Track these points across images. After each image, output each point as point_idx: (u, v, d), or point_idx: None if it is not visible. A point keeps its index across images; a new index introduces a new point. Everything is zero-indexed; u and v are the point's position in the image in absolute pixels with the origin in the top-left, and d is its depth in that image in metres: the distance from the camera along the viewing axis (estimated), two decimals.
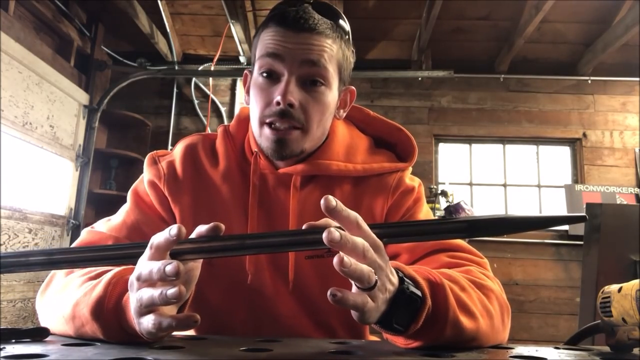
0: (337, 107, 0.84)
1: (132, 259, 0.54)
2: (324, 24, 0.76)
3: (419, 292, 0.55)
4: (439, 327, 0.57)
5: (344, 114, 0.88)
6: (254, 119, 0.80)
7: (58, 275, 0.72)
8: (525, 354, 0.59)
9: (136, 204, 0.84)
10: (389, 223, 0.51)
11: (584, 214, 0.50)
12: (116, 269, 0.62)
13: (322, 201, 0.49)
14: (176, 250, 0.53)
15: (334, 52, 0.78)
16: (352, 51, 0.84)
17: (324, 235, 0.48)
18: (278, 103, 0.74)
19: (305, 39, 0.75)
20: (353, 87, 0.88)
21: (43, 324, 0.68)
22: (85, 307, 0.58)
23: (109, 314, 0.57)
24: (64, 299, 0.64)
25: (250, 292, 0.80)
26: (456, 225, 0.52)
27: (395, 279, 0.54)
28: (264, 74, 0.77)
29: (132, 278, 0.53)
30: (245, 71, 0.87)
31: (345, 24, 0.82)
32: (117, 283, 0.59)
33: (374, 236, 0.52)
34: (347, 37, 0.82)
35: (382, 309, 0.53)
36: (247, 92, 0.84)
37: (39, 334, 0.60)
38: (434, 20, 3.23)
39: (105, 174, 3.72)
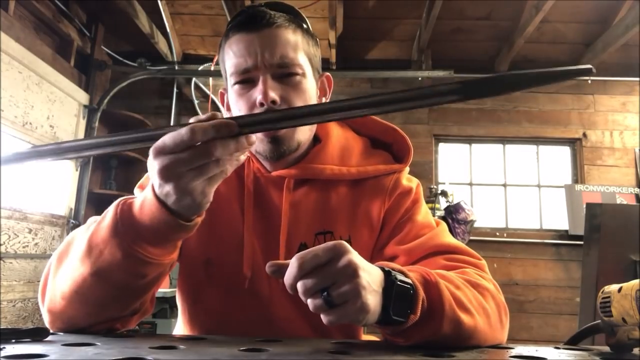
0: (318, 97, 0.85)
1: (152, 140, 0.56)
2: (280, 17, 0.78)
3: (408, 280, 0.56)
4: (437, 321, 0.57)
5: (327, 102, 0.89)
6: None
7: (54, 261, 0.72)
8: (525, 354, 0.59)
9: None
10: (381, 93, 0.52)
11: (589, 65, 0.46)
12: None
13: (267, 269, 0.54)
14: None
15: (299, 41, 0.79)
16: (316, 40, 0.85)
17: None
18: (261, 103, 0.75)
19: (268, 36, 0.76)
20: (328, 73, 0.89)
21: (56, 303, 0.67)
22: (103, 230, 0.61)
23: (125, 225, 0.59)
24: (75, 247, 0.65)
25: (246, 295, 0.80)
26: (449, 87, 0.50)
27: (373, 266, 0.55)
28: (240, 82, 0.78)
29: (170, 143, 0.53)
30: (220, 90, 0.88)
31: (300, 16, 0.84)
32: (125, 200, 0.62)
33: (323, 248, 0.52)
34: (306, 26, 0.83)
35: (377, 301, 0.53)
36: (228, 109, 0.85)
37: (39, 334, 0.60)
38: (434, 20, 3.23)
39: (105, 174, 3.73)
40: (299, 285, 0.51)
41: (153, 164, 0.55)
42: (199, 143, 0.53)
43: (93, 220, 0.75)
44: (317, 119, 0.56)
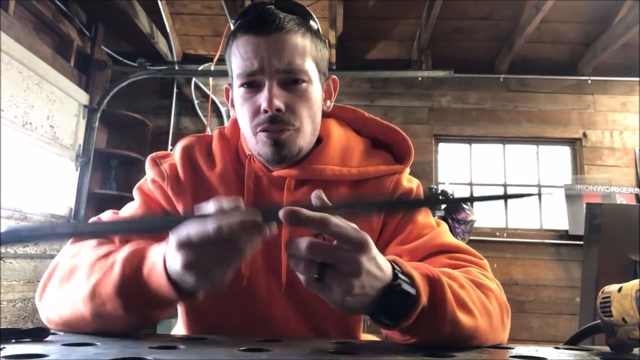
0: (323, 99, 0.85)
1: (165, 229, 0.55)
2: (290, 21, 0.77)
3: (412, 291, 0.55)
4: (437, 323, 0.57)
5: (332, 105, 0.89)
6: (246, 131, 0.80)
7: (62, 262, 0.72)
8: (525, 354, 0.59)
9: (144, 200, 0.86)
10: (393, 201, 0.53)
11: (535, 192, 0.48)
12: (127, 248, 0.64)
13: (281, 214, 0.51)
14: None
15: (307, 46, 0.78)
16: (324, 42, 0.84)
17: (281, 213, 0.50)
18: (265, 111, 0.75)
19: (276, 41, 0.75)
20: (334, 76, 0.89)
21: (50, 315, 0.68)
22: (108, 284, 0.60)
23: (131, 287, 0.59)
24: (76, 283, 0.65)
25: (244, 295, 0.80)
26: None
27: (384, 274, 0.54)
28: (245, 85, 0.78)
29: (191, 239, 0.52)
30: (226, 85, 0.88)
31: (310, 16, 0.82)
32: (134, 259, 0.61)
33: (352, 235, 0.51)
34: (315, 28, 0.82)
35: (364, 301, 0.53)
36: (232, 106, 0.85)
37: (39, 334, 0.60)
38: (434, 20, 3.23)
39: (105, 174, 3.72)
40: (310, 244, 0.50)
41: (175, 255, 0.53)
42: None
43: (95, 231, 0.77)
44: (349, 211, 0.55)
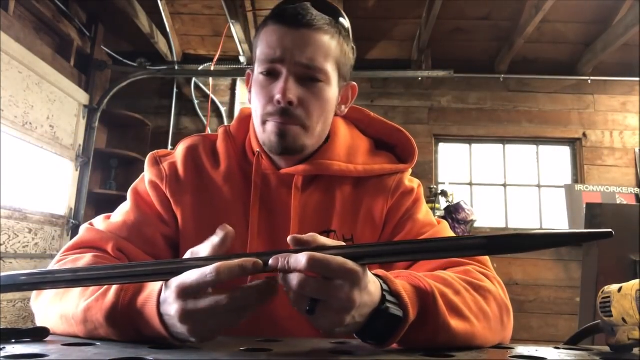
0: (338, 103, 0.85)
1: (166, 275, 0.54)
2: (321, 20, 0.77)
3: (399, 313, 0.54)
4: (429, 334, 0.57)
5: (346, 110, 0.88)
6: (256, 118, 0.81)
7: (50, 294, 0.71)
8: (525, 354, 0.59)
9: (137, 204, 0.84)
10: (406, 240, 0.53)
11: (609, 229, 0.47)
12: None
13: (289, 240, 0.53)
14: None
15: (332, 48, 0.78)
16: (353, 48, 0.85)
17: (270, 261, 0.51)
18: (278, 102, 0.75)
19: (303, 36, 0.76)
20: (354, 83, 0.88)
21: (42, 323, 0.68)
22: (99, 312, 0.59)
23: (123, 319, 0.58)
24: (70, 301, 0.64)
25: None
26: (474, 242, 0.50)
27: (373, 300, 0.53)
28: (264, 73, 0.78)
29: (192, 288, 0.51)
30: (248, 70, 0.88)
31: (344, 21, 0.83)
32: (129, 288, 0.59)
33: (342, 270, 0.49)
34: (346, 33, 0.82)
35: (354, 329, 0.53)
36: (250, 91, 0.85)
37: (39, 334, 0.60)
38: (434, 20, 3.23)
39: (105, 174, 3.73)
40: (300, 281, 0.49)
41: (172, 303, 0.52)
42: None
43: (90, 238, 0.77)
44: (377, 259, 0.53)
